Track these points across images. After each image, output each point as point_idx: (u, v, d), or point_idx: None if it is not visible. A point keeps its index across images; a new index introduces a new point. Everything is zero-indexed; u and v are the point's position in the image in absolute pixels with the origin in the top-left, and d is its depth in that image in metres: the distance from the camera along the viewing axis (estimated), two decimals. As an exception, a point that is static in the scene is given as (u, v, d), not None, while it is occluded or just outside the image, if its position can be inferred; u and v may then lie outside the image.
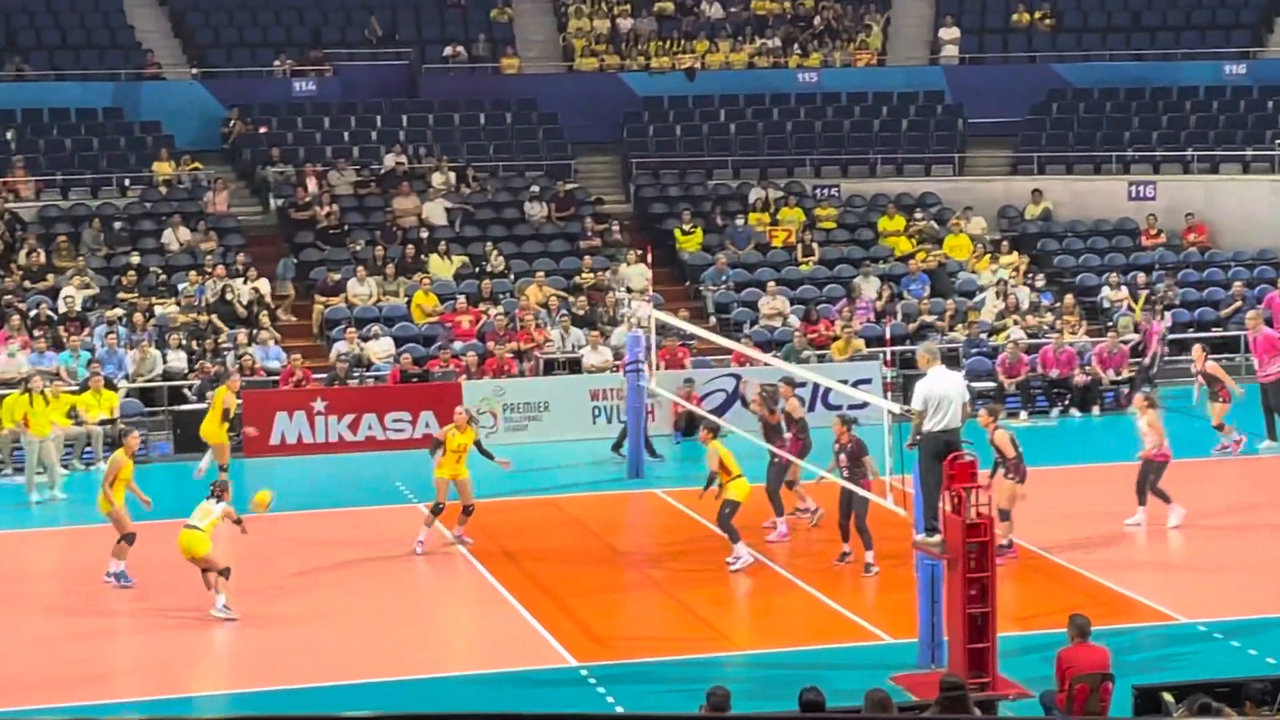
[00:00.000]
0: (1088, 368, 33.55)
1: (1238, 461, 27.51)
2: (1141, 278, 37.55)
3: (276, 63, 43.25)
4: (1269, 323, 35.20)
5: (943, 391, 18.35)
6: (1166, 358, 35.06)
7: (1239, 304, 36.58)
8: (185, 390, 32.21)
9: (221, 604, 21.17)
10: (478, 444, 24.83)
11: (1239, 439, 27.77)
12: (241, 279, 35.62)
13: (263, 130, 41.46)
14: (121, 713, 18.35)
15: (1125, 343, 34.22)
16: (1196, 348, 28.96)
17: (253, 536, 22.30)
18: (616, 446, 29.92)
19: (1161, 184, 41.54)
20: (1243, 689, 14.43)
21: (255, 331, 34.00)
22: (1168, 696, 14.69)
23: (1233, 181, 41.37)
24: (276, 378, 32.39)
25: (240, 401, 29.45)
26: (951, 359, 33.90)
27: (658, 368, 29.94)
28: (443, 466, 24.34)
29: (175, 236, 37.54)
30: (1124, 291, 37.21)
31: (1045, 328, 35.42)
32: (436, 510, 24.25)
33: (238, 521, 21.93)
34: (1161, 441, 23.71)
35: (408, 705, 18.36)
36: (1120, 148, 42.55)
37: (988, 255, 38.76)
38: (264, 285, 35.70)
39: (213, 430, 27.94)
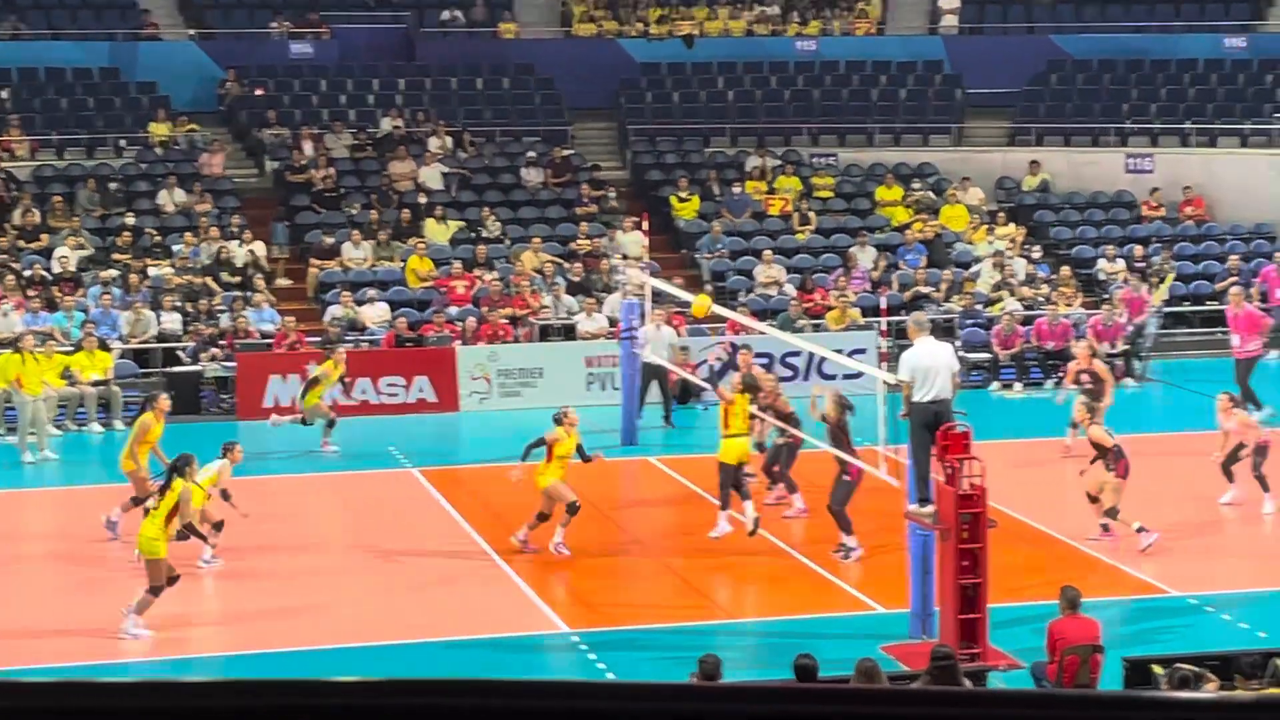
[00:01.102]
0: (1084, 340, 33.48)
1: (1216, 436, 27.31)
2: (1139, 250, 37.53)
3: (274, 24, 43.14)
4: (1264, 296, 35.30)
5: (930, 362, 18.32)
6: (1162, 329, 35.09)
7: (1235, 278, 36.54)
8: (179, 352, 32.17)
9: (208, 555, 21.44)
10: (579, 448, 22.69)
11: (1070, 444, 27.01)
12: (237, 241, 35.58)
13: (259, 92, 41.36)
14: (113, 674, 18.32)
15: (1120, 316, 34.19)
16: (1082, 345, 28.59)
17: (248, 500, 22.26)
18: (667, 416, 29.97)
19: (1159, 157, 41.48)
20: (1233, 662, 14.45)
21: (250, 294, 33.94)
22: (1158, 669, 14.72)
23: (1231, 155, 41.31)
24: (270, 340, 32.34)
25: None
26: (947, 330, 33.93)
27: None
28: (546, 474, 22.17)
29: (170, 198, 37.48)
30: (1120, 264, 37.19)
31: (1041, 299, 35.40)
32: (573, 509, 21.98)
33: (225, 496, 21.92)
34: (1259, 431, 23.73)
35: (398, 670, 18.37)
36: (1118, 120, 42.47)
37: (984, 226, 38.73)
38: (259, 248, 35.67)
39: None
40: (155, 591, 19.06)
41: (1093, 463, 22.07)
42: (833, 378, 30.48)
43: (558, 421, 22.24)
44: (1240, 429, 23.47)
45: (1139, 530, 21.51)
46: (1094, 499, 21.99)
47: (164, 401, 23.57)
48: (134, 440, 22.79)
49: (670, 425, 29.63)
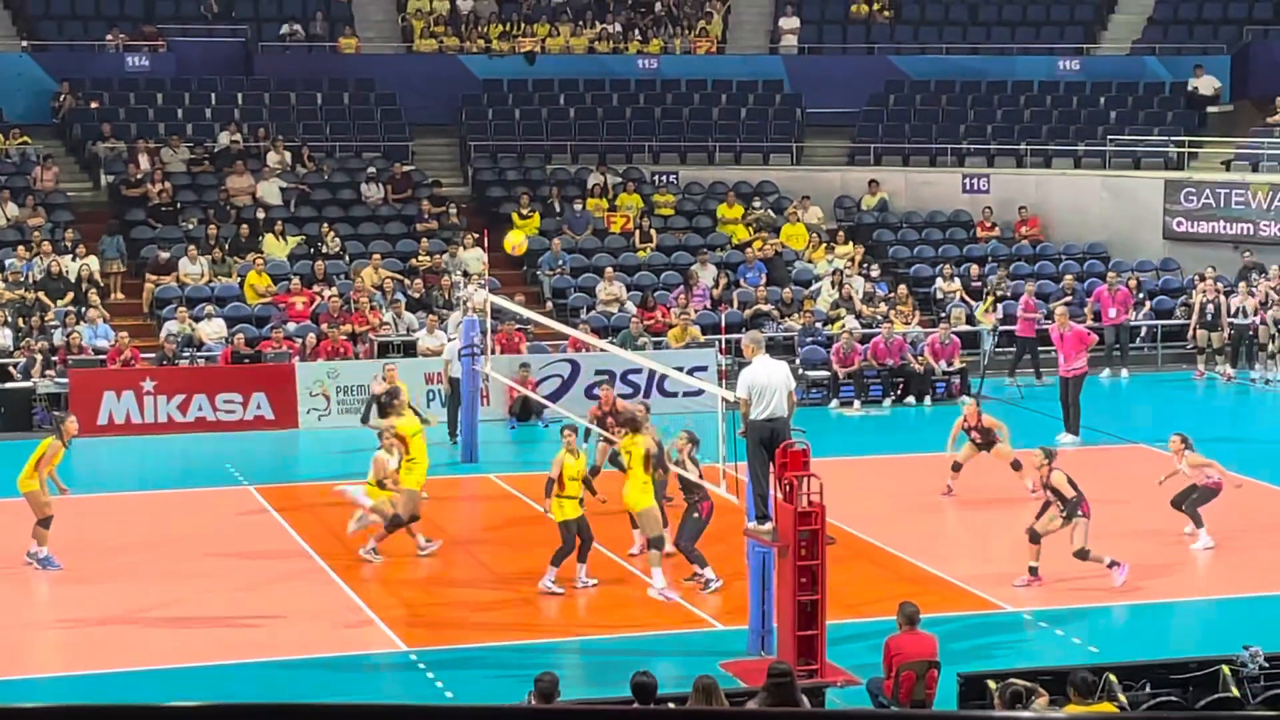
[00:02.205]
0: (920, 358, 33.86)
1: (1067, 453, 27.71)
2: (975, 269, 38.00)
3: (109, 37, 42.57)
4: (1097, 315, 35.87)
5: (765, 380, 18.39)
6: (997, 349, 35.55)
7: (1069, 297, 37.13)
8: (10, 368, 31.63)
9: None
10: (591, 474, 22.02)
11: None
12: (70, 256, 35.07)
13: (94, 105, 40.80)
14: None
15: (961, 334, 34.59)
16: (969, 402, 27.28)
17: (80, 518, 21.96)
18: (452, 433, 29.78)
19: (995, 177, 42.03)
20: (1068, 676, 14.62)
21: (83, 309, 33.45)
22: (992, 684, 14.86)
23: (1065, 176, 41.94)
24: (104, 357, 31.88)
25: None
26: (787, 348, 34.17)
27: (494, 352, 29.82)
28: (564, 507, 21.16)
29: (2, 212, 36.87)
30: (957, 283, 37.63)
31: (880, 318, 35.71)
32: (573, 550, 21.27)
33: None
34: (1212, 473, 23.50)
35: (235, 690, 18.17)
36: (955, 140, 42.98)
37: (824, 245, 39.02)
38: (93, 263, 35.18)
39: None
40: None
41: (1043, 511, 21.40)
42: (674, 395, 30.64)
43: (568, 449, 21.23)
44: (1193, 472, 23.26)
45: (1111, 565, 21.10)
46: (1036, 539, 21.28)
47: (72, 424, 23.08)
48: (39, 463, 22.25)
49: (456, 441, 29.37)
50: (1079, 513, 21.07)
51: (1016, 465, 25.01)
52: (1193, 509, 23.12)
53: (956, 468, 25.69)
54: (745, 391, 18.41)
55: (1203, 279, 36.18)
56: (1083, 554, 21.02)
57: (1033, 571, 21.31)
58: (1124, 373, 35.75)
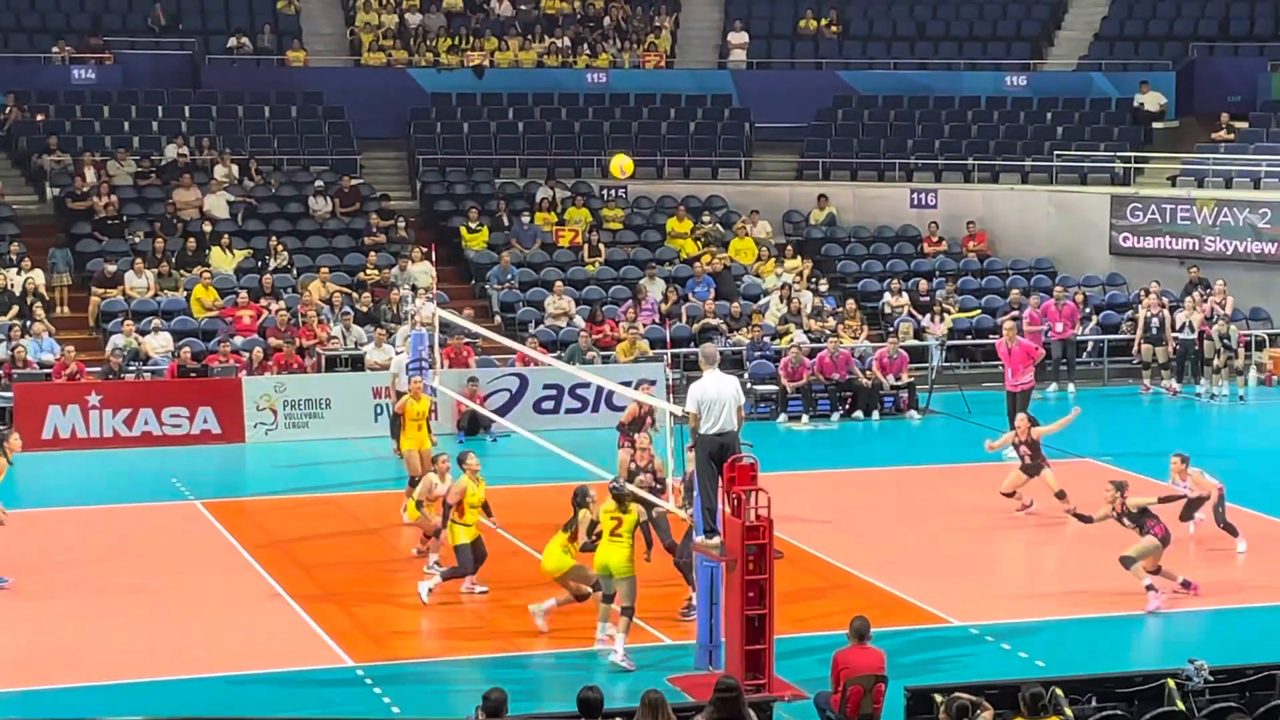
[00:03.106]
0: (869, 372, 33.92)
1: (1000, 467, 27.73)
2: (923, 284, 38.09)
3: (55, 49, 42.37)
4: (1046, 332, 36.01)
5: (714, 395, 18.37)
6: (944, 364, 35.65)
7: (1015, 311, 37.27)
8: (-45, 382, 31.44)
9: None
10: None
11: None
12: (15, 269, 34.88)
13: (40, 118, 40.59)
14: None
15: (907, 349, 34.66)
16: (1021, 419, 26.01)
17: (24, 533, 21.82)
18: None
19: (943, 192, 42.17)
20: (1018, 691, 14.63)
21: (29, 323, 33.25)
22: (938, 698, 14.87)
23: (1012, 191, 42.09)
24: (49, 371, 31.69)
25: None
26: (735, 362, 34.19)
27: (442, 366, 29.76)
28: (461, 532, 21.34)
29: (-53, 224, 36.64)
30: (905, 298, 37.72)
31: (828, 332, 35.76)
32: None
33: None
34: (1211, 484, 23.53)
35: (180, 706, 18.06)
36: (903, 155, 43.09)
37: (772, 259, 39.07)
38: (38, 276, 34.98)
39: None
40: None
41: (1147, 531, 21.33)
42: (621, 409, 30.59)
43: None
44: (1194, 489, 23.33)
45: (1184, 585, 21.43)
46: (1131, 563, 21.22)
47: (15, 441, 22.88)
48: None
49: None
50: (1151, 532, 21.19)
51: (1061, 495, 24.83)
52: (1222, 521, 23.37)
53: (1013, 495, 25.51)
54: (695, 405, 18.41)
55: (1148, 294, 36.37)
56: (1128, 561, 21.11)
57: (1185, 584, 21.49)
58: (1070, 387, 35.89)
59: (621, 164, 30.15)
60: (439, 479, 22.45)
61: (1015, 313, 36.44)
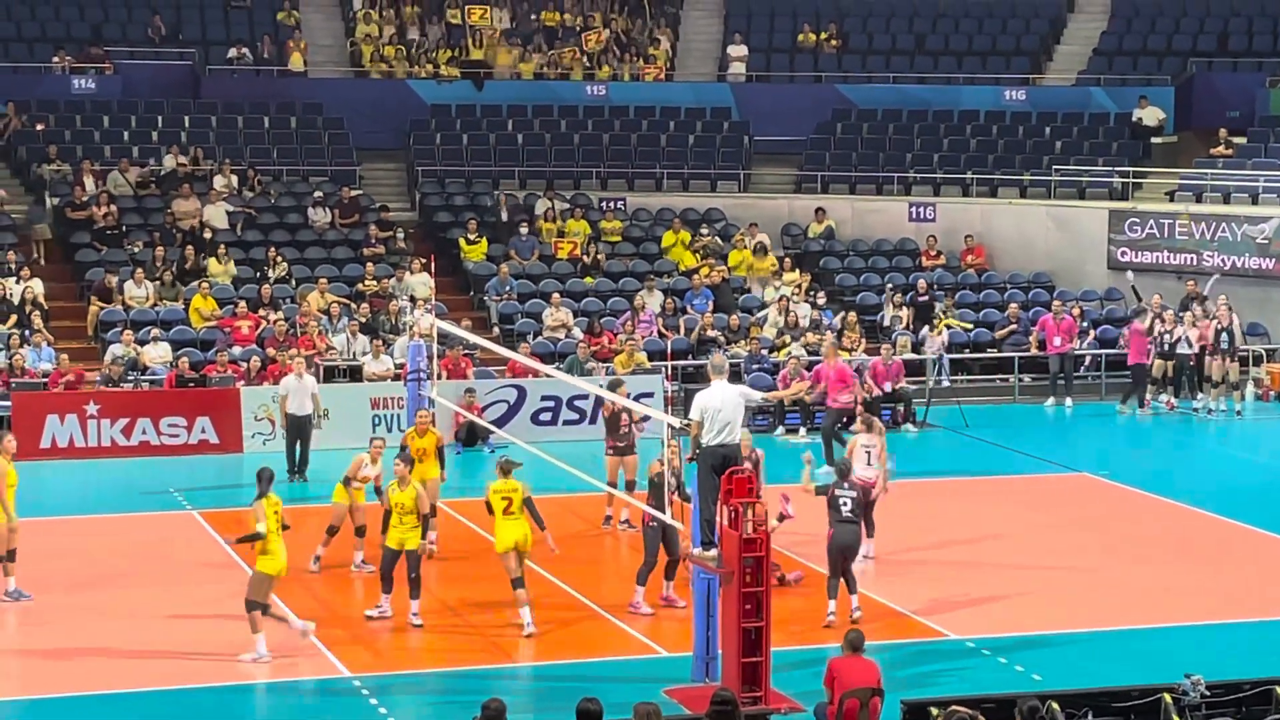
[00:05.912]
0: (865, 385, 33.88)
1: (997, 481, 27.83)
2: (922, 284, 38.17)
3: (56, 59, 42.42)
4: (1042, 344, 36.05)
5: (719, 405, 18.37)
6: (941, 377, 35.64)
7: (1014, 326, 37.30)
8: (-46, 390, 31.46)
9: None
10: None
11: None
12: (14, 278, 34.90)
13: (40, 127, 40.63)
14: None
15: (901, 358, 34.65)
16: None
17: (21, 542, 21.82)
18: (298, 470, 29.51)
19: (941, 206, 42.22)
20: (1014, 705, 14.64)
21: (28, 332, 33.29)
22: (935, 711, 14.88)
23: (1010, 205, 42.14)
24: (47, 379, 31.72)
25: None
26: (734, 374, 34.17)
27: (440, 377, 29.78)
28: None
29: (-54, 233, 36.68)
30: (905, 311, 37.74)
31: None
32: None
33: None
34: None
35: (178, 716, 18.09)
36: (902, 169, 43.15)
37: (771, 255, 39.16)
38: (37, 285, 34.99)
39: None
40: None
41: None
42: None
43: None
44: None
45: None
46: None
47: (10, 442, 22.77)
48: None
49: (302, 479, 29.17)
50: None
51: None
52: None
53: None
54: (698, 414, 18.38)
55: (1158, 316, 35.84)
56: None
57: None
58: (1068, 402, 35.86)
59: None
60: (371, 460, 23.07)
61: (1013, 326, 36.53)
